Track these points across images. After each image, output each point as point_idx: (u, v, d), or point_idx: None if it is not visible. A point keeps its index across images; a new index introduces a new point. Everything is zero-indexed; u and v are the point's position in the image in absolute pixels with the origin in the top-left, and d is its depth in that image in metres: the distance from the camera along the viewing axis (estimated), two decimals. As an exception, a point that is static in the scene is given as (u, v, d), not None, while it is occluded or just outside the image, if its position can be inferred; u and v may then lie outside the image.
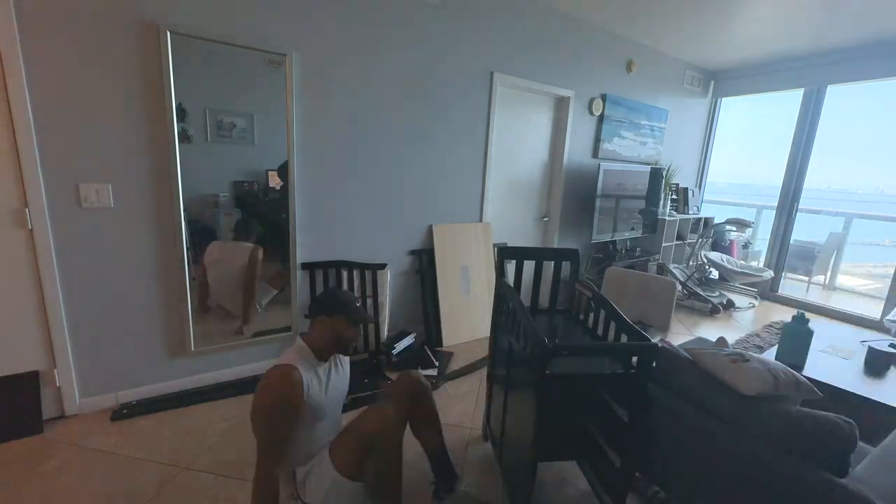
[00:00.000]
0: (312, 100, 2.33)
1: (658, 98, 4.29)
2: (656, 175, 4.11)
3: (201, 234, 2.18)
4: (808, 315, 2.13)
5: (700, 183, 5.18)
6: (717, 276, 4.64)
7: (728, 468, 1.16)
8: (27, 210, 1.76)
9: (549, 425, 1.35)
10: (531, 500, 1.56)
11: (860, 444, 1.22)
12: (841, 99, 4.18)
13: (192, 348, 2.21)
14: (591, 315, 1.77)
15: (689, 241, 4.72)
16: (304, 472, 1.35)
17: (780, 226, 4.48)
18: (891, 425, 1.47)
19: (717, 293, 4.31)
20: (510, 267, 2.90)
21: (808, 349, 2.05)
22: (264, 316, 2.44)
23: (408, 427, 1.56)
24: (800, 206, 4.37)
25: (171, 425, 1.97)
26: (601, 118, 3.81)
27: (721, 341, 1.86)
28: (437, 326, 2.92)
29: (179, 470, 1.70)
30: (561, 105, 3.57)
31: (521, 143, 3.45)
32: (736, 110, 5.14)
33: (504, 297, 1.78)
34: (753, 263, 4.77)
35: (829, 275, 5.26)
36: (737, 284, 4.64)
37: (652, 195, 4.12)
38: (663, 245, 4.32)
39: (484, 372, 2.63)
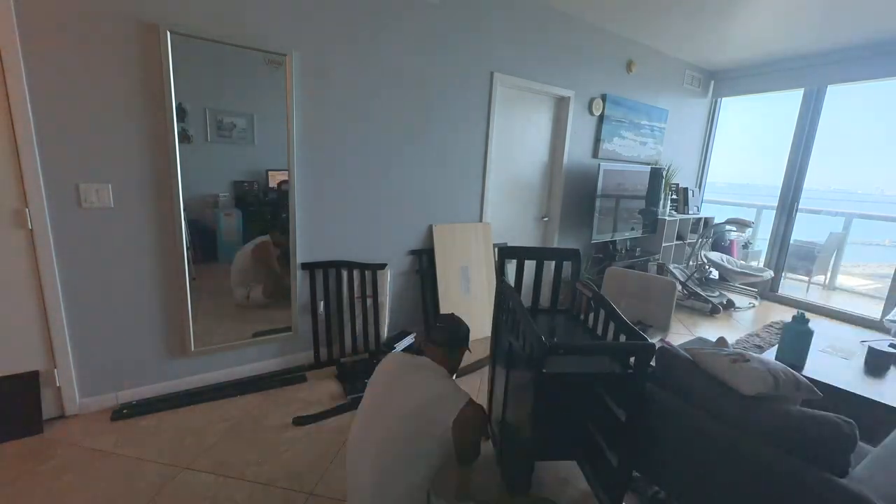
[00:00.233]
0: (312, 100, 2.33)
1: (658, 98, 4.29)
2: (656, 175, 4.11)
3: (201, 234, 2.18)
4: (808, 315, 2.13)
5: (700, 183, 5.18)
6: (717, 276, 4.64)
7: (728, 468, 1.16)
8: (27, 210, 1.76)
9: (547, 424, 1.36)
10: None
11: (860, 444, 1.22)
12: (841, 99, 4.18)
13: (192, 348, 2.21)
14: (592, 315, 1.77)
15: (689, 241, 4.71)
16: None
17: (780, 226, 4.48)
18: (891, 425, 1.47)
19: (717, 293, 4.31)
20: (510, 267, 2.90)
21: (808, 349, 2.05)
22: (265, 316, 2.44)
23: None
24: (800, 206, 4.37)
25: (171, 425, 1.97)
26: (601, 118, 3.81)
27: (721, 341, 1.86)
28: (437, 326, 2.92)
29: (179, 470, 1.70)
30: (561, 105, 3.57)
31: (521, 143, 3.45)
32: (736, 110, 5.14)
33: (504, 296, 1.78)
34: (753, 263, 4.77)
35: (829, 275, 5.26)
36: (737, 284, 4.63)
37: (652, 195, 4.12)
38: (663, 245, 4.31)
39: (484, 372, 2.63)
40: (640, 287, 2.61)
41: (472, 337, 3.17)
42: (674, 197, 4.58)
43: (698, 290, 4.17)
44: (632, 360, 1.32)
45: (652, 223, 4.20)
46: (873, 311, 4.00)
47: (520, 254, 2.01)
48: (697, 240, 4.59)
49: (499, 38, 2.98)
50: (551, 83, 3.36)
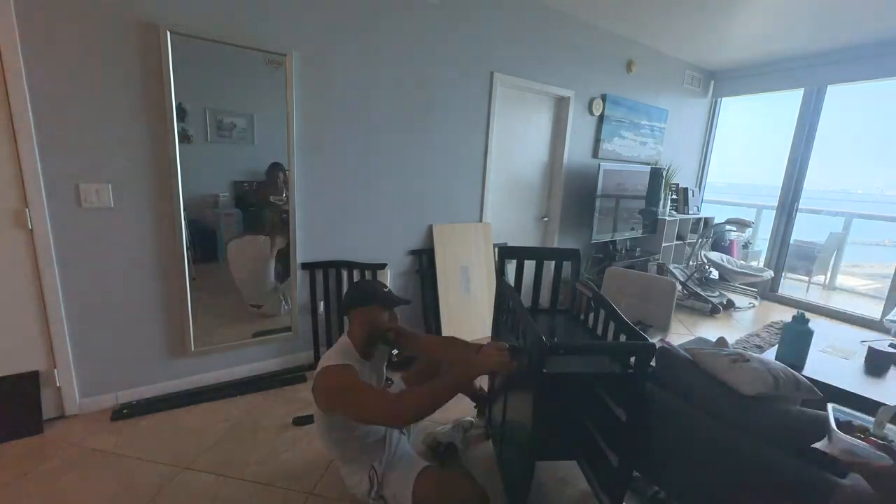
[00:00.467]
0: (312, 100, 2.33)
1: (658, 98, 4.29)
2: (656, 175, 4.11)
3: (201, 234, 2.18)
4: (808, 315, 2.13)
5: (700, 183, 5.18)
6: (717, 276, 4.63)
7: (728, 468, 1.16)
8: (27, 210, 1.76)
9: (546, 424, 1.36)
10: (531, 499, 1.56)
11: (860, 444, 1.22)
12: (841, 99, 4.18)
13: (192, 348, 2.21)
14: (592, 315, 1.77)
15: (689, 241, 4.71)
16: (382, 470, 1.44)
17: (780, 226, 4.48)
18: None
19: (717, 293, 4.31)
20: (510, 267, 2.90)
21: (808, 349, 2.05)
22: (265, 315, 2.44)
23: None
24: (800, 206, 4.37)
25: (171, 425, 1.97)
26: (601, 118, 3.81)
27: (721, 341, 1.86)
28: (437, 326, 2.92)
29: (179, 470, 1.70)
30: (561, 105, 3.57)
31: (521, 143, 3.45)
32: (736, 110, 5.14)
33: (504, 296, 1.78)
34: (753, 263, 4.77)
35: (829, 275, 5.26)
36: (737, 284, 4.63)
37: (652, 195, 4.12)
38: (663, 245, 4.31)
39: (484, 372, 2.63)
40: (640, 287, 2.61)
41: (472, 337, 3.17)
42: (674, 197, 4.58)
43: (698, 290, 4.17)
44: (632, 360, 1.32)
45: (652, 223, 4.20)
46: (873, 311, 4.00)
47: (520, 254, 2.01)
48: (697, 240, 4.59)
49: (499, 38, 2.98)
50: (551, 83, 3.36)
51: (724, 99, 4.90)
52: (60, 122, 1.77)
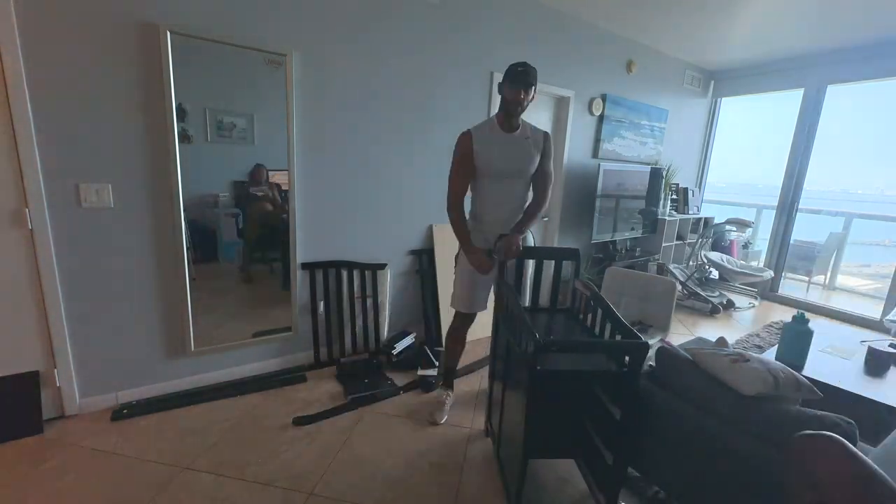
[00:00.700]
0: (312, 100, 2.33)
1: (658, 98, 4.29)
2: (656, 175, 4.11)
3: (201, 234, 2.18)
4: (808, 315, 2.13)
5: (700, 183, 5.18)
6: (717, 276, 4.63)
7: (728, 468, 1.16)
8: (27, 210, 1.76)
9: (542, 422, 1.36)
10: (530, 499, 1.56)
11: (860, 443, 1.22)
12: (841, 99, 4.18)
13: (192, 348, 2.21)
14: (591, 314, 1.77)
15: (689, 241, 4.71)
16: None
17: (780, 226, 4.48)
18: (891, 425, 1.47)
19: (717, 293, 4.31)
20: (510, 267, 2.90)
21: (808, 349, 2.05)
22: (265, 315, 2.44)
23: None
24: (800, 206, 4.37)
25: (171, 425, 1.97)
26: (601, 118, 3.81)
27: (721, 341, 1.86)
28: (437, 326, 2.92)
29: (179, 470, 1.70)
30: (561, 105, 3.57)
31: (521, 143, 3.44)
32: (736, 110, 5.14)
33: (503, 295, 1.78)
34: (753, 263, 4.77)
35: (829, 275, 5.26)
36: (737, 284, 4.63)
37: (652, 195, 4.12)
38: (663, 245, 4.31)
39: (484, 372, 2.63)
40: (640, 287, 2.61)
41: (472, 337, 3.18)
42: (674, 197, 4.58)
43: (698, 290, 4.17)
44: (627, 358, 1.32)
45: (652, 223, 4.20)
46: (873, 311, 4.00)
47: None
48: (697, 240, 4.59)
49: (499, 38, 2.98)
50: (551, 83, 3.36)
51: (723, 99, 4.90)
52: (60, 123, 1.77)
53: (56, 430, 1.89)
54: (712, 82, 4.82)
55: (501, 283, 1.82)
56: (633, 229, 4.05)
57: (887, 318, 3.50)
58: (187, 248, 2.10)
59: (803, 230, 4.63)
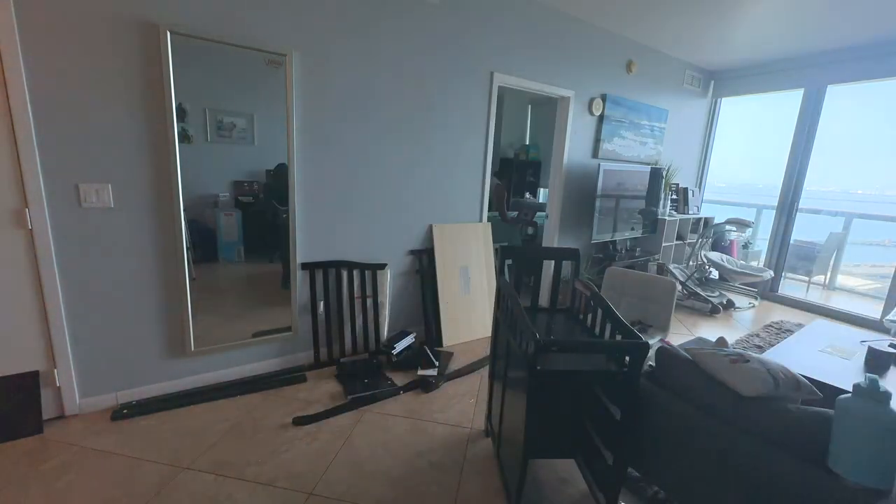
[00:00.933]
0: (312, 100, 2.33)
1: (658, 98, 4.29)
2: (656, 175, 4.11)
3: (201, 234, 2.18)
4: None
5: (700, 183, 5.18)
6: (717, 276, 4.63)
7: (728, 468, 1.16)
8: (27, 210, 1.76)
9: (541, 421, 1.36)
10: (530, 499, 1.56)
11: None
12: (841, 99, 4.17)
13: (192, 348, 2.21)
14: (591, 314, 1.77)
15: (689, 241, 4.71)
16: None
17: (780, 226, 4.48)
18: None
19: (717, 293, 4.31)
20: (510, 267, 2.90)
21: None
22: (265, 315, 2.44)
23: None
24: (800, 206, 4.37)
25: (171, 425, 1.97)
26: (601, 118, 3.81)
27: (721, 341, 1.86)
28: (437, 326, 2.92)
29: (179, 470, 1.70)
30: (561, 105, 3.57)
31: (521, 143, 3.44)
32: (736, 110, 5.14)
33: (503, 295, 1.78)
34: (753, 263, 4.77)
35: (828, 275, 5.26)
36: (737, 284, 4.63)
37: (652, 195, 4.12)
38: (663, 245, 4.31)
39: (484, 372, 2.63)
40: (640, 287, 2.61)
41: (472, 337, 3.18)
42: (674, 197, 4.58)
43: (698, 290, 4.17)
44: (627, 358, 1.32)
45: (652, 223, 4.20)
46: (873, 311, 3.99)
47: (520, 253, 2.01)
48: (697, 240, 4.59)
49: (499, 38, 2.98)
50: (551, 83, 3.36)
51: (723, 99, 4.90)
52: (60, 122, 1.77)
53: (56, 430, 1.89)
54: (712, 82, 4.82)
55: (502, 282, 1.82)
56: (633, 229, 4.05)
57: (887, 318, 3.50)
58: (187, 248, 2.10)
59: (803, 230, 4.62)
